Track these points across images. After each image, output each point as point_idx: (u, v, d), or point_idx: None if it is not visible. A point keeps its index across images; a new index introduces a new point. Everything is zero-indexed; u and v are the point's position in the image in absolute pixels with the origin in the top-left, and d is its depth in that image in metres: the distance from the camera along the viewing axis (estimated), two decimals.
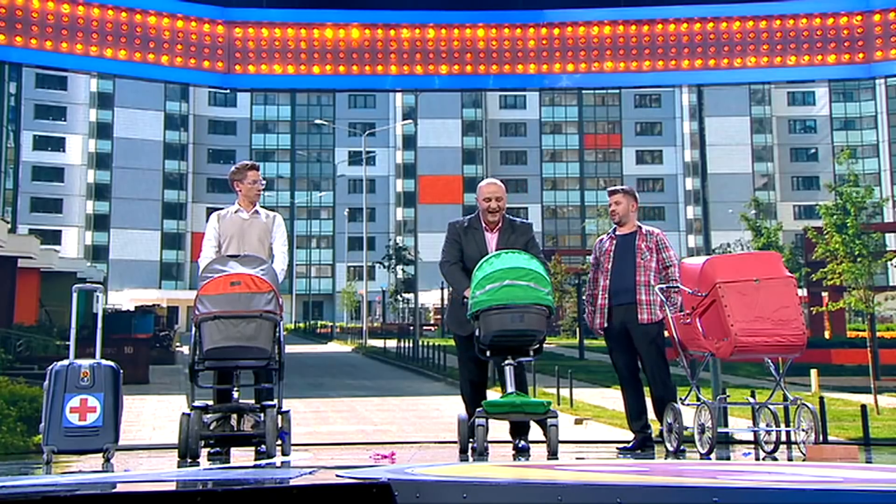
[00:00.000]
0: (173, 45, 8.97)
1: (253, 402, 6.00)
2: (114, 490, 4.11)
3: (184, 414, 5.64)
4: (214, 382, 5.96)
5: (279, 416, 5.75)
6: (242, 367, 5.80)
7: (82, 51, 8.65)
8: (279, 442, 5.72)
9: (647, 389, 6.62)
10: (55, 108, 64.22)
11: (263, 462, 5.54)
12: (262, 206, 6.81)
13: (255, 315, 5.59)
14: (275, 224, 6.73)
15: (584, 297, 7.18)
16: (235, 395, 5.84)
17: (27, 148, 58.41)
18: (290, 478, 4.37)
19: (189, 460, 5.54)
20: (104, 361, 5.78)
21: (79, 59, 8.77)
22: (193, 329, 5.71)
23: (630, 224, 6.78)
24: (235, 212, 6.67)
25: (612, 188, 6.91)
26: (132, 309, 44.37)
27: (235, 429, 5.84)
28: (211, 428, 5.77)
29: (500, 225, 6.35)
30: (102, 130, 66.18)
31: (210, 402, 5.88)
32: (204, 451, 5.83)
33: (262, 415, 5.73)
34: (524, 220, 6.55)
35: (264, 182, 6.84)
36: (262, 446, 5.72)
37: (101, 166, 66.17)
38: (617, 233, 6.77)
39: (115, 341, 24.07)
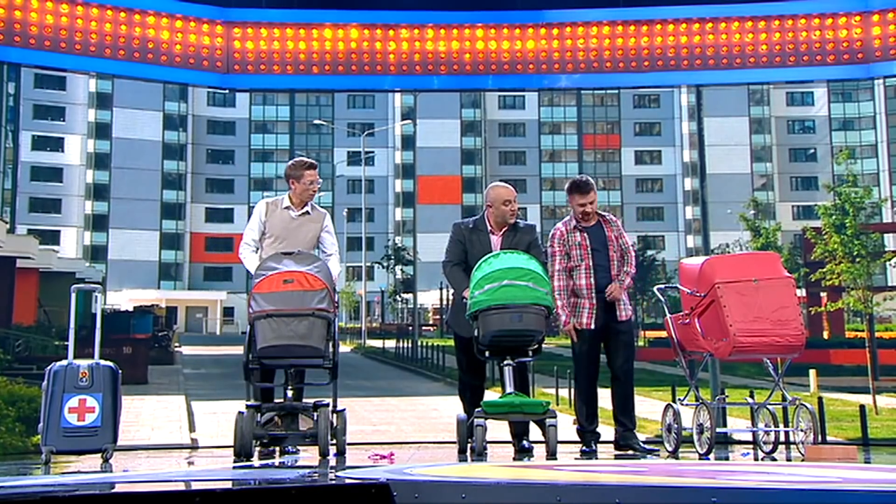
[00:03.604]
0: (172, 45, 8.96)
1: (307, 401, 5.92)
2: (113, 490, 4.11)
3: (239, 413, 5.59)
4: (285, 380, 5.85)
5: (335, 416, 5.70)
6: (296, 366, 5.76)
7: (81, 51, 8.64)
8: (333, 441, 5.65)
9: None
10: (54, 108, 64.15)
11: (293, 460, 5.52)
12: (313, 203, 6.63)
13: (308, 313, 5.53)
14: (325, 223, 6.61)
15: (555, 293, 6.10)
16: (290, 394, 5.78)
17: (26, 148, 58.34)
18: (290, 478, 4.37)
19: (244, 459, 5.49)
20: (103, 362, 5.77)
21: (78, 59, 8.76)
22: (248, 327, 5.67)
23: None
24: (285, 207, 6.53)
25: (581, 186, 6.32)
26: (131, 309, 44.36)
27: (292, 428, 5.74)
28: (266, 426, 5.70)
29: (505, 227, 6.34)
30: (101, 130, 66.12)
31: (276, 400, 5.82)
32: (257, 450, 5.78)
33: (315, 413, 5.67)
34: (528, 223, 6.51)
35: (320, 182, 6.71)
36: (289, 446, 5.74)
37: (100, 166, 66.11)
38: (581, 224, 6.38)
39: (113, 341, 24.04)
